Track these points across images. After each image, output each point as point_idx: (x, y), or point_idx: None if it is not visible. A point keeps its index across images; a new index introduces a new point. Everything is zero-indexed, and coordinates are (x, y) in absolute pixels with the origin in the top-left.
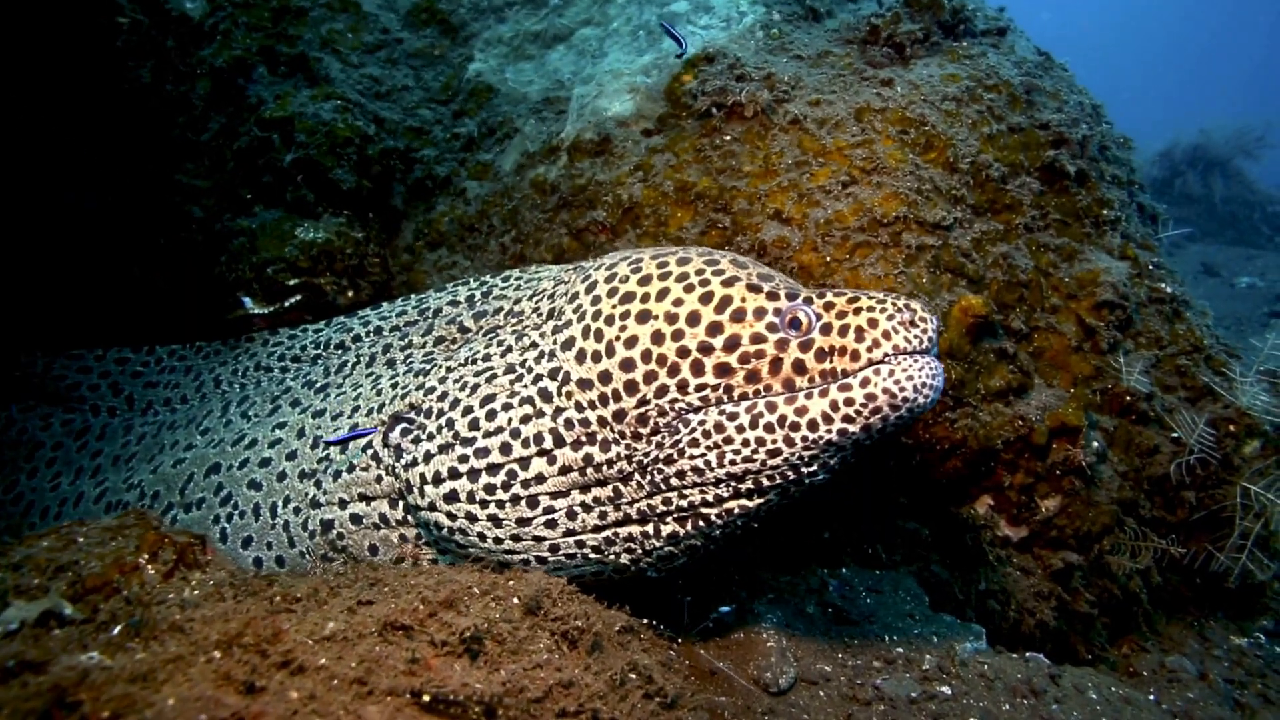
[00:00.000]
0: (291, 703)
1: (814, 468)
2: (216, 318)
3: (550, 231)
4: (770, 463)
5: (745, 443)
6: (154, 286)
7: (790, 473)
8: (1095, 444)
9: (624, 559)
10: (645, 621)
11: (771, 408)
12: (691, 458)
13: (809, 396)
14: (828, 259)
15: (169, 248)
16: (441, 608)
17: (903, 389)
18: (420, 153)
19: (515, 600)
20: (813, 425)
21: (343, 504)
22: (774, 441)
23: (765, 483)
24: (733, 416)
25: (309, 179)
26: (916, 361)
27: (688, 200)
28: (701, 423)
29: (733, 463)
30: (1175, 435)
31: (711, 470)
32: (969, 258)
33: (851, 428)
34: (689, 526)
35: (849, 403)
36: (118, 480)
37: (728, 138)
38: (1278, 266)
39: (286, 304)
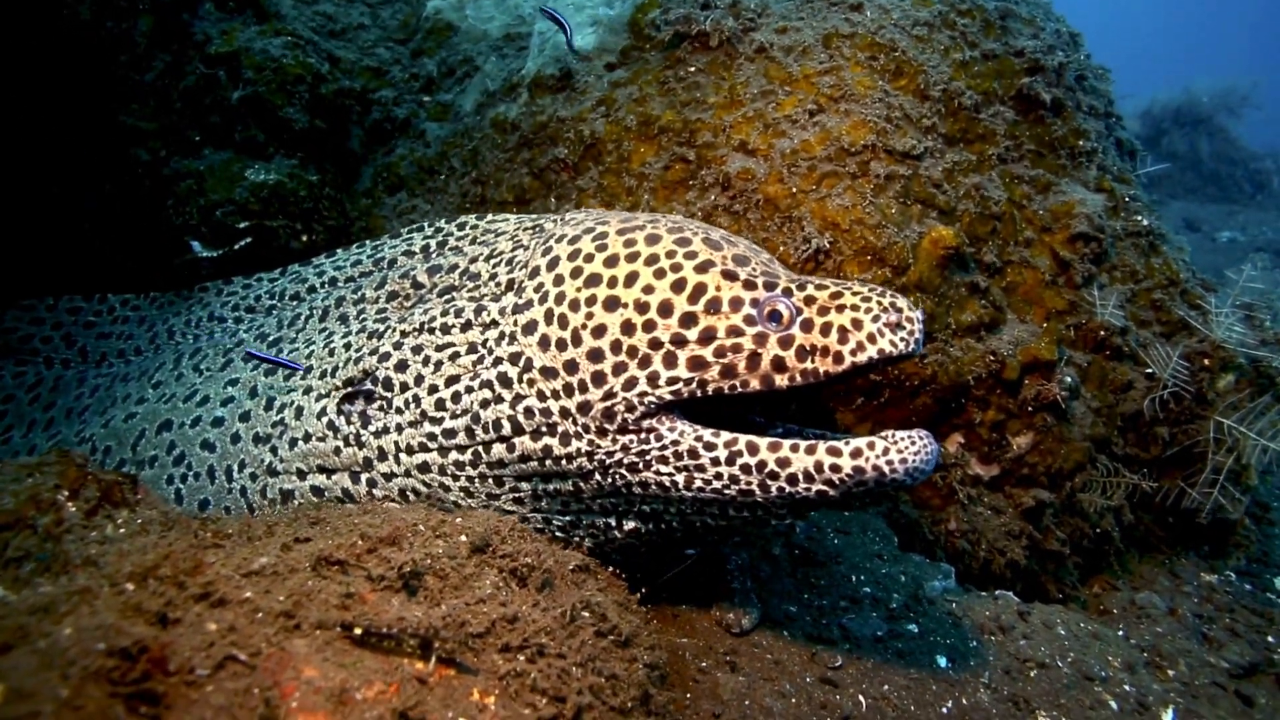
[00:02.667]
0: (208, 635)
1: (783, 511)
2: (165, 263)
3: (511, 171)
4: (740, 500)
5: (718, 475)
6: (100, 233)
7: (760, 510)
8: (1068, 380)
9: (587, 543)
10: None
11: (753, 449)
12: (658, 473)
13: (794, 450)
14: (794, 190)
15: (115, 193)
16: (382, 544)
17: (894, 470)
18: (378, 94)
19: (463, 538)
20: (792, 480)
21: (301, 474)
22: (748, 483)
23: (731, 512)
24: (710, 446)
25: (258, 118)
26: (914, 444)
27: (651, 134)
28: (675, 443)
29: (700, 490)
30: (1149, 371)
31: (677, 490)
32: (940, 188)
33: (831, 491)
34: (650, 526)
35: (835, 469)
36: (70, 433)
37: (692, 69)
38: (1259, 221)
39: (236, 247)
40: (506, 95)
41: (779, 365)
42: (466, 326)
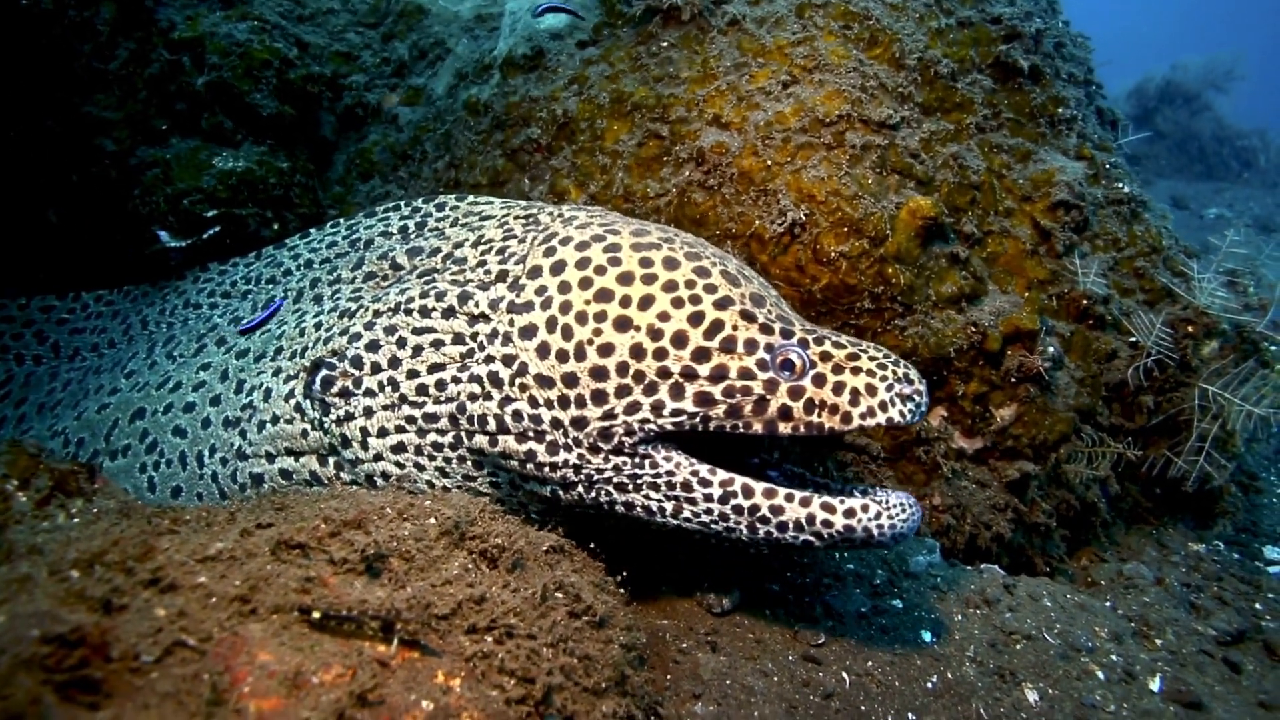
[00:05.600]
0: (156, 620)
1: (764, 547)
2: (134, 254)
3: (484, 154)
4: (725, 535)
5: (708, 510)
6: (67, 225)
7: (741, 542)
8: (1051, 350)
9: (563, 529)
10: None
11: (748, 492)
12: (646, 498)
13: (789, 499)
14: (769, 163)
15: (81, 184)
16: (346, 527)
17: (881, 532)
18: (349, 79)
19: (431, 520)
20: (781, 527)
21: (270, 457)
22: (737, 523)
23: (712, 541)
24: (705, 482)
25: (225, 105)
26: (904, 511)
27: (624, 111)
28: (670, 473)
29: (688, 520)
30: (1133, 339)
31: (664, 516)
32: (917, 158)
33: (816, 543)
34: (631, 518)
35: (826, 524)
36: (42, 428)
37: (665, 44)
38: (1246, 198)
39: (205, 236)
40: (478, 77)
41: (785, 414)
42: (449, 313)
